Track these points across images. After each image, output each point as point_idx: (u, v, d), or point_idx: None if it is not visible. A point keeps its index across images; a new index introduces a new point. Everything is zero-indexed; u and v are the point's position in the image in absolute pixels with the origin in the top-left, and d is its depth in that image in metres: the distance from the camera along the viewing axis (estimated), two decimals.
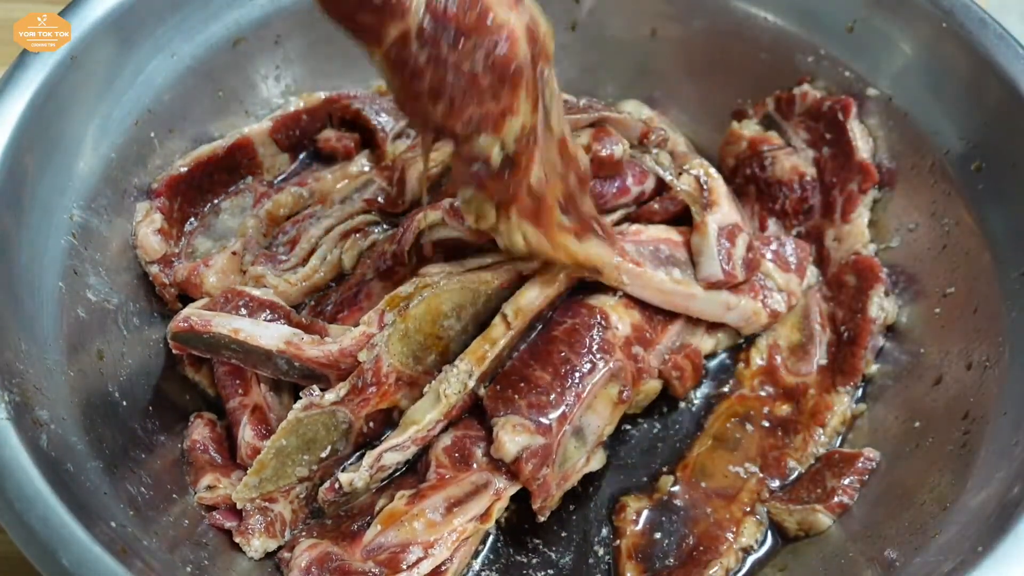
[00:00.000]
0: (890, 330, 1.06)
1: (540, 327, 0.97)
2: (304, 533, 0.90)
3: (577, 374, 0.92)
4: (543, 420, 0.90)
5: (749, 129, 1.18)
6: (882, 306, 1.05)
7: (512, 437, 0.88)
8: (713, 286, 1.01)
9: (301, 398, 0.90)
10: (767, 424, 1.04)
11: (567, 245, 0.90)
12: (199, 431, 0.97)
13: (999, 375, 0.90)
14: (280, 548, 0.90)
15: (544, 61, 0.79)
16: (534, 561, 0.95)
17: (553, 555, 0.96)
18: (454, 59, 0.73)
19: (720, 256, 1.00)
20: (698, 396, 1.07)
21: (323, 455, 0.91)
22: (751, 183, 1.16)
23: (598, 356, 0.94)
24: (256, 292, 0.97)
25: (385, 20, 0.71)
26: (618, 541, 0.96)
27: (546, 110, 0.81)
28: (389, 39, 0.72)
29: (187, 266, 1.02)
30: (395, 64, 0.73)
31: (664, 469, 1.01)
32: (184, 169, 1.06)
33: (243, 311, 0.95)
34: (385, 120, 1.16)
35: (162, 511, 0.86)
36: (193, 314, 0.93)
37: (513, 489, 0.90)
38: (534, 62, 0.77)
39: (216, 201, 1.10)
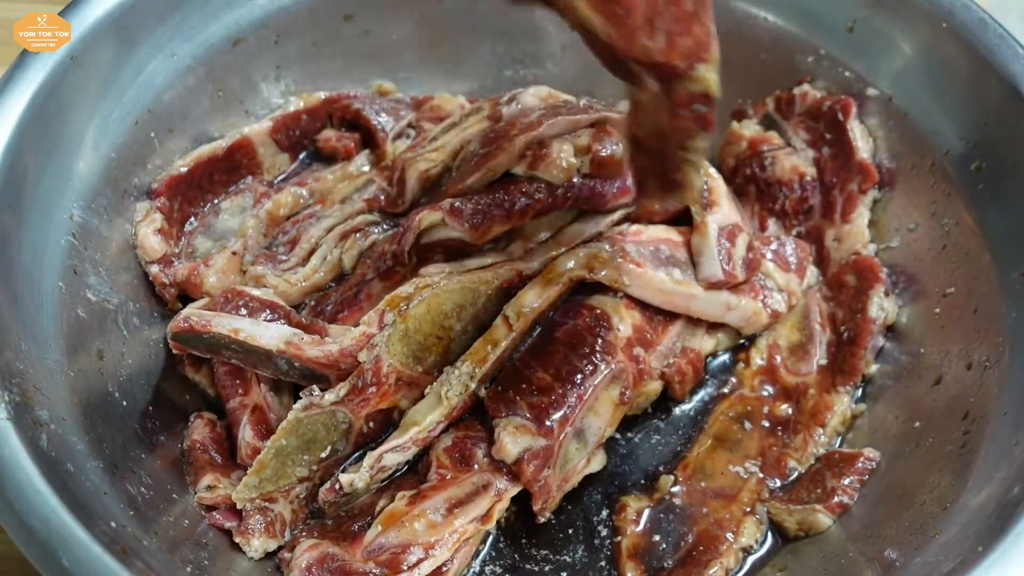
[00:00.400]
0: (890, 330, 1.06)
1: (541, 328, 0.97)
2: (304, 533, 0.90)
3: (578, 375, 0.92)
4: (545, 421, 0.90)
5: (749, 129, 1.18)
6: (882, 306, 1.05)
7: (514, 438, 0.88)
8: (713, 286, 1.01)
9: (301, 398, 0.90)
10: (767, 424, 1.04)
11: None
12: (199, 431, 0.96)
13: (999, 375, 0.90)
14: (280, 548, 0.90)
15: None
16: (546, 569, 0.95)
17: (567, 558, 0.95)
18: None
19: (720, 256, 1.00)
20: (698, 396, 1.07)
21: (323, 455, 0.91)
22: (751, 183, 1.16)
23: (599, 357, 0.94)
24: (256, 292, 0.97)
25: None
26: (619, 538, 0.96)
27: None
28: None
29: (187, 266, 1.02)
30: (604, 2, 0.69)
31: (664, 469, 1.01)
32: (184, 169, 1.06)
33: (243, 311, 0.95)
34: (385, 120, 1.15)
35: (162, 511, 0.86)
36: (193, 314, 0.93)
37: (514, 490, 0.90)
38: None
39: (216, 201, 1.10)
